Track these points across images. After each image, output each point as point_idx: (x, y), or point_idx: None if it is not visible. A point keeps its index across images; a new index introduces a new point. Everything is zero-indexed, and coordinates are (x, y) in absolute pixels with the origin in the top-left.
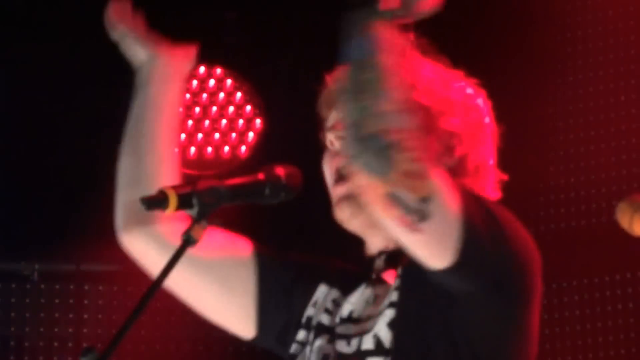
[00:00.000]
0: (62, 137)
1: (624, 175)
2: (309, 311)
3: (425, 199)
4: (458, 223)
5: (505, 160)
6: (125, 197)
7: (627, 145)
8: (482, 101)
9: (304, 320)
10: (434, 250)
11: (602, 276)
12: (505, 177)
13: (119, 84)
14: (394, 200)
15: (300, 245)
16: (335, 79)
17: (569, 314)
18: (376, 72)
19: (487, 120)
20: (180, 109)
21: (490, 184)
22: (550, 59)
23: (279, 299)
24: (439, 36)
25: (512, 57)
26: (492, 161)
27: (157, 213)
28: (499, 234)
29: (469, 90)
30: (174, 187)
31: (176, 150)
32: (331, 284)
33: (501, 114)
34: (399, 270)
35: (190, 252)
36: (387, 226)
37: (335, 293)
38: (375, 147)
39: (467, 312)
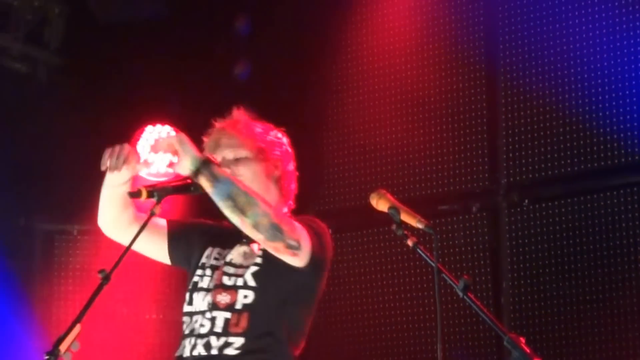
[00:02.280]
0: None
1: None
2: (202, 260)
3: (297, 240)
4: (309, 245)
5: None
6: (106, 216)
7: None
8: (286, 141)
9: (200, 263)
10: (290, 257)
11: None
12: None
13: None
14: (257, 224)
15: (207, 214)
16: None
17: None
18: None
19: (289, 153)
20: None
21: (291, 197)
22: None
23: (179, 246)
24: (263, 107)
25: (297, 117)
26: (294, 183)
27: (133, 202)
28: (320, 240)
29: (280, 135)
30: (145, 186)
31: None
32: (214, 244)
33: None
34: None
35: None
36: (266, 239)
37: (219, 249)
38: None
39: (297, 276)
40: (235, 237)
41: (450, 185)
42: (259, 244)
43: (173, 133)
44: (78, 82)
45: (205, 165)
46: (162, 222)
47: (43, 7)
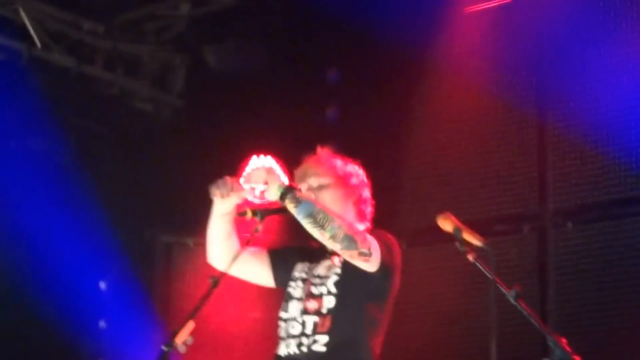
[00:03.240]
0: None
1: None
2: (294, 273)
3: (368, 248)
4: (378, 252)
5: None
6: (218, 252)
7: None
8: (362, 172)
9: (292, 276)
10: (364, 263)
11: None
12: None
13: None
14: (336, 237)
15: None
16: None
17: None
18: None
19: (365, 181)
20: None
21: (367, 218)
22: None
23: (280, 269)
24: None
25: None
26: (369, 207)
27: (240, 219)
28: (388, 248)
29: (356, 167)
30: (250, 208)
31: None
32: (304, 259)
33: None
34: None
35: (246, 253)
36: (343, 249)
37: (307, 264)
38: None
39: (370, 280)
40: (321, 253)
41: (505, 209)
42: (339, 258)
43: (273, 163)
44: (196, 121)
45: (288, 191)
46: (262, 251)
47: (167, 57)
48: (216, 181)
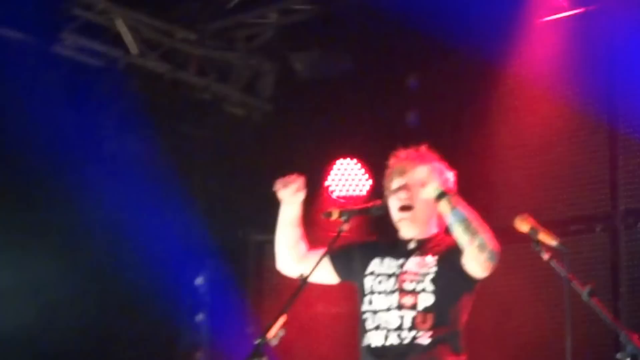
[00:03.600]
0: None
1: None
2: (372, 268)
3: (495, 252)
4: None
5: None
6: (287, 257)
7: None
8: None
9: (370, 271)
10: (485, 272)
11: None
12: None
13: None
14: (482, 246)
15: (384, 230)
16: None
17: None
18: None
19: (453, 178)
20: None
21: None
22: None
23: (342, 265)
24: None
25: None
26: None
27: (324, 223)
28: (495, 245)
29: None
30: (337, 209)
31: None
32: (382, 255)
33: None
34: (436, 254)
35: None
36: (468, 248)
37: (388, 258)
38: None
39: (464, 282)
40: (403, 249)
41: (579, 210)
42: (432, 256)
43: (358, 166)
44: (284, 124)
45: (446, 194)
46: (320, 251)
47: (257, 64)
48: (282, 178)
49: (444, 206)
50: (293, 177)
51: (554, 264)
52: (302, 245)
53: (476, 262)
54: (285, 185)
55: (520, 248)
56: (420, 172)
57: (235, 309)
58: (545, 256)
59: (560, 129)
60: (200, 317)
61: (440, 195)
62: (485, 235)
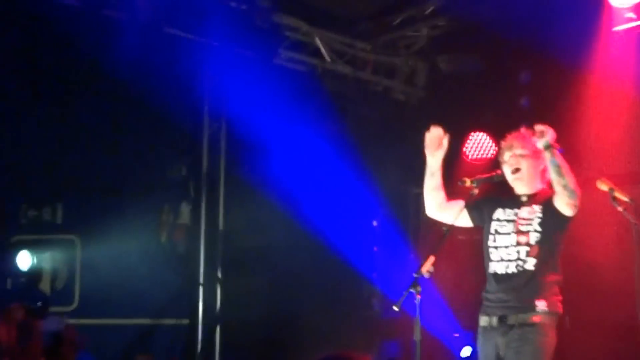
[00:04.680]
0: None
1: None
2: (497, 215)
3: (576, 192)
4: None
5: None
6: (431, 202)
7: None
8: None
9: (496, 218)
10: (569, 209)
11: None
12: None
13: None
14: (567, 186)
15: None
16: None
17: None
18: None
19: None
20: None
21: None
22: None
23: (475, 214)
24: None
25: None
26: None
27: (460, 188)
28: (576, 187)
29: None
30: (469, 178)
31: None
32: (503, 206)
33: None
34: (540, 203)
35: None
36: (558, 187)
37: (508, 209)
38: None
39: (562, 222)
40: (518, 202)
41: None
42: (538, 206)
43: (486, 137)
44: (433, 105)
45: (550, 146)
46: (460, 203)
47: (413, 64)
48: (430, 134)
49: (547, 154)
50: (436, 130)
51: (626, 213)
52: (442, 194)
53: (562, 201)
54: (430, 140)
55: (601, 200)
56: (540, 130)
57: (399, 245)
58: (620, 208)
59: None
60: (375, 249)
61: (547, 147)
62: (570, 179)
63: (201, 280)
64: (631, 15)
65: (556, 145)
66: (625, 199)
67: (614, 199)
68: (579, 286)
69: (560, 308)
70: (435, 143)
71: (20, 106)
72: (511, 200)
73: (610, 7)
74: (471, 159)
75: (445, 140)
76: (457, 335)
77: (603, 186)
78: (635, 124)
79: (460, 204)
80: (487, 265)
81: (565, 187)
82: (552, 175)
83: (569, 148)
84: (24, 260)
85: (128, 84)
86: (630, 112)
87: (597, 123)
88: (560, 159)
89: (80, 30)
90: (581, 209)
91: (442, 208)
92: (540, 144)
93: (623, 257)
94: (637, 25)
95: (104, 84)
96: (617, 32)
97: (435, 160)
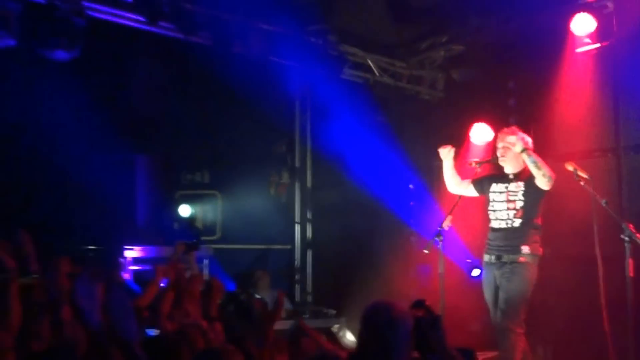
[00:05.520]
0: None
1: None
2: (493, 189)
3: (551, 176)
4: (553, 182)
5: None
6: (451, 183)
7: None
8: (527, 136)
9: (492, 190)
10: (547, 187)
11: None
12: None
13: None
14: (544, 174)
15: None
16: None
17: None
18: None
19: (529, 140)
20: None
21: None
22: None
23: (479, 187)
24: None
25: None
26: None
27: (470, 168)
28: (551, 173)
29: (524, 134)
30: (473, 161)
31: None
32: (496, 182)
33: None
34: (523, 180)
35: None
36: (537, 176)
37: (502, 184)
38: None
39: (540, 193)
40: (507, 178)
41: (598, 144)
42: (521, 182)
43: (486, 126)
44: (449, 103)
45: (525, 149)
46: (469, 180)
47: (434, 74)
48: (441, 149)
49: (524, 155)
50: (446, 146)
51: (586, 186)
52: (457, 177)
53: (542, 182)
54: (443, 153)
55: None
56: (511, 139)
57: (428, 204)
58: (581, 182)
59: (589, 105)
60: (411, 203)
61: (522, 151)
62: (545, 169)
63: (297, 219)
64: (588, 40)
65: (528, 147)
66: (585, 176)
67: (577, 176)
68: (554, 231)
69: (540, 251)
70: (445, 154)
71: (180, 112)
72: (502, 177)
73: (573, 34)
74: (474, 143)
75: (451, 152)
76: (469, 260)
77: (570, 167)
78: (589, 114)
79: (468, 181)
80: (489, 221)
81: (543, 175)
82: (532, 169)
83: (545, 133)
84: (185, 209)
85: (247, 92)
86: (586, 107)
87: (565, 114)
88: (535, 157)
89: (213, 61)
90: (555, 181)
91: (458, 186)
92: (516, 149)
93: (583, 209)
94: (592, 48)
95: (232, 93)
96: (578, 53)
97: (448, 161)
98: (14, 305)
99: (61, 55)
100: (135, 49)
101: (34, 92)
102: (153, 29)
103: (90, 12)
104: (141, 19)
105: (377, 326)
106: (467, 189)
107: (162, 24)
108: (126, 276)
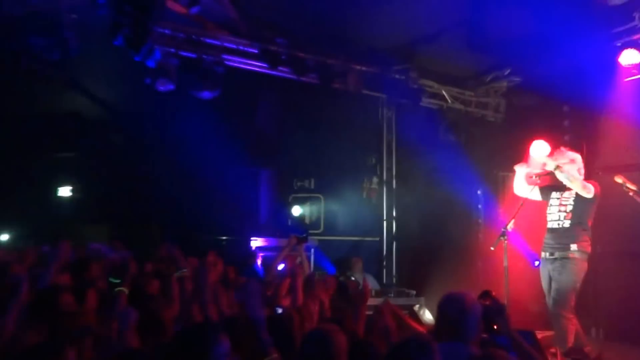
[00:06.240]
0: None
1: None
2: (554, 195)
3: (584, 188)
4: (592, 191)
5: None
6: (521, 188)
7: None
8: (579, 155)
9: (553, 197)
10: (589, 196)
11: None
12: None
13: None
14: (577, 187)
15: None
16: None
17: None
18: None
19: (580, 159)
20: None
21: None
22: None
23: (543, 194)
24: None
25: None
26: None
27: (531, 180)
28: (596, 189)
29: (575, 154)
30: (534, 174)
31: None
32: (555, 190)
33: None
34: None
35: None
36: (573, 188)
37: (559, 192)
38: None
39: (587, 200)
40: (562, 188)
41: None
42: (574, 191)
43: (545, 146)
44: (510, 124)
45: (558, 166)
46: (536, 187)
47: (498, 101)
48: (518, 164)
49: (557, 172)
50: (522, 164)
51: (634, 196)
52: (526, 185)
53: (581, 193)
54: (518, 166)
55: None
56: (549, 161)
57: (493, 207)
58: (630, 193)
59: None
60: (479, 206)
61: (555, 168)
62: (577, 183)
63: (384, 217)
64: (635, 71)
65: (560, 166)
66: (633, 187)
67: (626, 187)
68: (607, 232)
69: (588, 249)
70: (520, 167)
71: (293, 135)
72: (560, 186)
73: (621, 65)
74: (533, 157)
75: (524, 165)
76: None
77: (619, 179)
78: (636, 133)
79: (535, 188)
80: (547, 223)
81: (577, 187)
82: (566, 183)
83: (596, 149)
84: (296, 209)
85: (345, 118)
86: (633, 126)
87: (614, 133)
88: (566, 173)
89: (319, 96)
90: (606, 190)
91: (526, 191)
92: (548, 167)
93: (632, 215)
94: (637, 78)
95: (334, 119)
96: (626, 82)
97: (522, 171)
98: (175, 292)
99: (207, 95)
100: (260, 89)
101: (187, 123)
102: (274, 72)
103: (227, 62)
104: (265, 65)
105: (451, 314)
106: (532, 193)
107: (281, 68)
108: (258, 261)
